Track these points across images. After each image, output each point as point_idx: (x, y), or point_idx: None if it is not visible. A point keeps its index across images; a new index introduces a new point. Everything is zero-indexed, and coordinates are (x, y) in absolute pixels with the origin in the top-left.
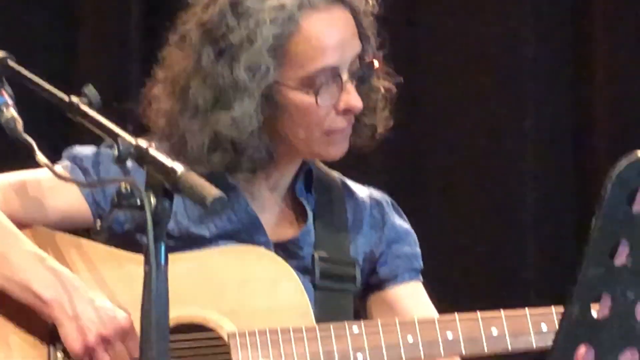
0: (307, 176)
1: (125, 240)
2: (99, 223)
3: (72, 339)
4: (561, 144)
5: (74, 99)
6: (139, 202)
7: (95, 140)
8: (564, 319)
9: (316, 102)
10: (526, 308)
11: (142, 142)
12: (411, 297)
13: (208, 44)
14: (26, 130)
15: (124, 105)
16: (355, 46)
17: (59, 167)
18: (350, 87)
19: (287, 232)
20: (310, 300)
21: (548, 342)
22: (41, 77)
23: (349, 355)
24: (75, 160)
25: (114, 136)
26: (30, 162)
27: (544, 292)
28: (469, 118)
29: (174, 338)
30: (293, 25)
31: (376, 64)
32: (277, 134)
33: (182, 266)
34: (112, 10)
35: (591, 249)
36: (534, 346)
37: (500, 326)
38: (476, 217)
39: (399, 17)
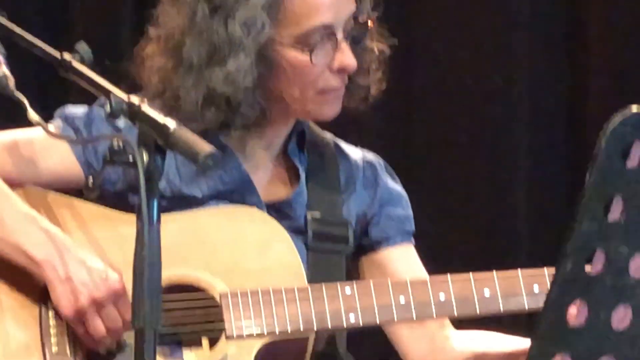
0: (300, 137)
1: (117, 200)
2: (91, 180)
3: (64, 301)
4: (554, 106)
5: (66, 56)
6: (131, 159)
7: (88, 101)
8: (557, 276)
9: (310, 60)
10: (518, 269)
11: (135, 99)
12: (402, 260)
13: (203, 0)
14: (18, 88)
15: (117, 64)
16: (351, 5)
17: (50, 127)
18: (345, 46)
19: (280, 192)
20: (302, 261)
21: (540, 303)
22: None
23: (341, 315)
24: (67, 119)
25: (107, 93)
26: (22, 122)
27: (536, 255)
28: (462, 83)
29: (165, 298)
30: None
31: (370, 24)
32: (270, 93)
33: (173, 226)
34: None
35: (585, 205)
36: (526, 307)
37: (493, 287)
38: (469, 180)
39: None
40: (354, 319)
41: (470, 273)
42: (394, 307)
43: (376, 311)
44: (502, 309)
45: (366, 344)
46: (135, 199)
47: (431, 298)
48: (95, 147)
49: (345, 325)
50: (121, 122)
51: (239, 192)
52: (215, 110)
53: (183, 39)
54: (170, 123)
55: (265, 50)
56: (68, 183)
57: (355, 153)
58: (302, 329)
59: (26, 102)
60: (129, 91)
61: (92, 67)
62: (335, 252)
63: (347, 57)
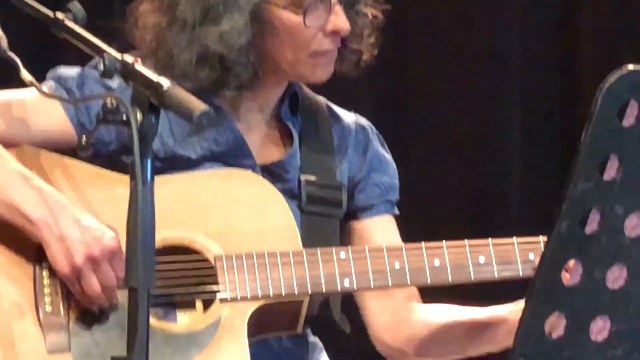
0: (293, 100)
1: (110, 162)
2: (84, 138)
3: (60, 260)
4: (547, 65)
5: (59, 15)
6: (124, 118)
7: (81, 64)
8: (552, 235)
9: (304, 22)
10: (514, 237)
11: (128, 58)
12: (381, 232)
13: None
14: (11, 48)
15: (109, 23)
16: None
17: (43, 87)
18: (339, 9)
19: (273, 154)
20: (296, 224)
21: None
22: None
23: (336, 280)
24: (60, 80)
25: (100, 52)
26: (14, 83)
27: (527, 223)
28: (455, 43)
29: (160, 260)
30: None
31: None
32: (264, 54)
33: (168, 188)
34: None
35: (580, 164)
36: (521, 274)
37: (488, 254)
38: (463, 148)
39: None
40: (348, 283)
41: (466, 240)
42: (388, 273)
43: (371, 276)
44: (496, 275)
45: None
46: (129, 160)
47: (426, 264)
48: (87, 108)
49: (339, 290)
50: (114, 82)
51: (233, 154)
52: (209, 70)
53: None
54: (164, 82)
55: (259, 11)
56: (60, 143)
57: (348, 116)
58: (296, 293)
59: (19, 61)
60: (121, 51)
61: (85, 27)
62: (328, 216)
63: (340, 20)
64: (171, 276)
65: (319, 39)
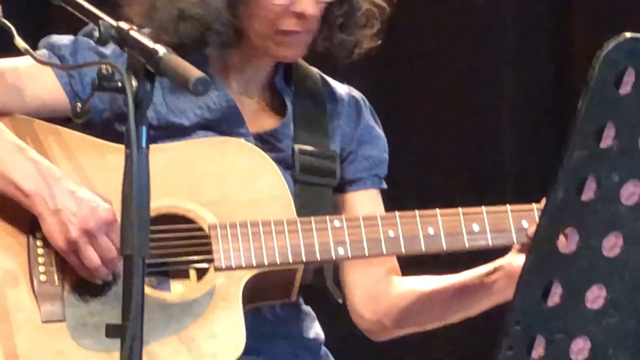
0: (287, 70)
1: (104, 130)
2: (79, 105)
3: (55, 233)
4: (539, 31)
5: None
6: (119, 85)
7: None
8: (548, 203)
9: None
10: (507, 205)
11: (124, 24)
12: (367, 206)
13: None
14: (5, 16)
15: None
16: None
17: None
18: None
19: (266, 123)
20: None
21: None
22: None
23: (330, 248)
24: (53, 48)
25: (95, 18)
26: (7, 51)
27: (521, 191)
28: (450, 22)
29: (154, 229)
30: None
31: None
32: (239, 23)
33: (162, 157)
34: None
35: (577, 132)
36: (515, 242)
37: (481, 222)
38: (455, 117)
39: None
40: (342, 251)
41: (459, 208)
42: (382, 241)
43: (365, 244)
44: (490, 243)
45: None
46: (123, 128)
47: (420, 232)
48: (81, 77)
49: (334, 258)
50: (108, 50)
51: (226, 121)
52: (190, 27)
53: None
54: (160, 48)
55: None
56: (54, 112)
57: (341, 88)
58: (290, 261)
59: (13, 28)
60: (114, 18)
61: None
62: (322, 185)
63: (305, 3)
64: (165, 245)
65: (285, 19)
